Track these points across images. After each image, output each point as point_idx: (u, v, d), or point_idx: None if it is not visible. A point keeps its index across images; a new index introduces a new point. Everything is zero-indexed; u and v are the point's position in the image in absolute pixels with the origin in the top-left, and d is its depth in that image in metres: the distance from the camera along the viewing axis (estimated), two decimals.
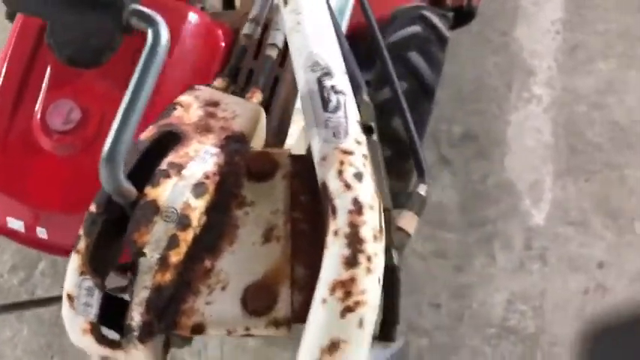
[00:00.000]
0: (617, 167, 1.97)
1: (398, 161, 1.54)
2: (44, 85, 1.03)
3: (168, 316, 0.56)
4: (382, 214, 0.54)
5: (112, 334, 0.60)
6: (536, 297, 1.84)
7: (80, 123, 1.01)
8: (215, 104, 0.64)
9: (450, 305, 1.84)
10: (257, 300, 0.56)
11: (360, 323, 0.49)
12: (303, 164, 0.59)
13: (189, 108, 0.64)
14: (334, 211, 0.51)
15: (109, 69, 1.00)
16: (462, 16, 1.86)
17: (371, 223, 0.51)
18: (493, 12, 2.14)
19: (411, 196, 0.75)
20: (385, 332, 0.61)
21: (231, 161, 0.59)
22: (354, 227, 0.51)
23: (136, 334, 0.56)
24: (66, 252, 1.08)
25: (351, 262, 0.50)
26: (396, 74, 1.50)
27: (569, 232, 1.90)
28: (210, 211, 0.58)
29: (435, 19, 1.56)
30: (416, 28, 1.53)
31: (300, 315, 0.53)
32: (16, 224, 1.04)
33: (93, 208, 0.58)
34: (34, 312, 1.85)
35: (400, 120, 1.49)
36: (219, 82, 0.80)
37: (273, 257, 0.58)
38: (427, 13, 1.57)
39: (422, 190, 0.76)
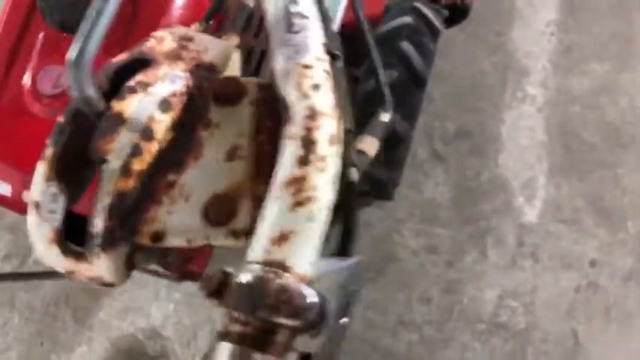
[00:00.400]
0: (610, 167, 1.97)
1: (386, 150, 1.55)
2: (35, 52, 1.05)
3: (130, 223, 0.57)
4: (340, 124, 0.55)
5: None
6: (528, 293, 1.83)
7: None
8: (189, 39, 0.66)
9: (440, 300, 1.83)
10: (218, 211, 0.58)
11: (310, 217, 0.50)
12: (271, 92, 0.61)
13: (162, 40, 0.66)
14: (291, 118, 0.53)
15: None
16: (457, 14, 1.88)
17: (325, 128, 0.53)
18: (489, 13, 2.16)
19: (374, 122, 0.77)
20: (343, 246, 0.62)
21: (199, 85, 0.61)
22: (308, 131, 0.52)
23: (98, 241, 0.57)
24: None
25: (303, 160, 0.51)
26: (387, 63, 1.52)
27: (561, 229, 1.90)
28: (176, 128, 0.59)
29: (427, 11, 1.58)
30: (407, 19, 1.55)
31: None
32: (2, 188, 1.06)
33: (61, 118, 0.60)
34: (25, 300, 1.85)
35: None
36: (196, 26, 0.82)
37: (235, 174, 0.60)
38: (419, 5, 1.59)
39: (384, 117, 0.77)
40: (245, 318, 0.48)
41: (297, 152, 0.52)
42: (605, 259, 1.87)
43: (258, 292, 0.47)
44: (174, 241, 0.59)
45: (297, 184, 0.51)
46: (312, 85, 0.55)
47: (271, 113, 0.61)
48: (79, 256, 0.60)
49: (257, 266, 0.49)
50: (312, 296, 0.48)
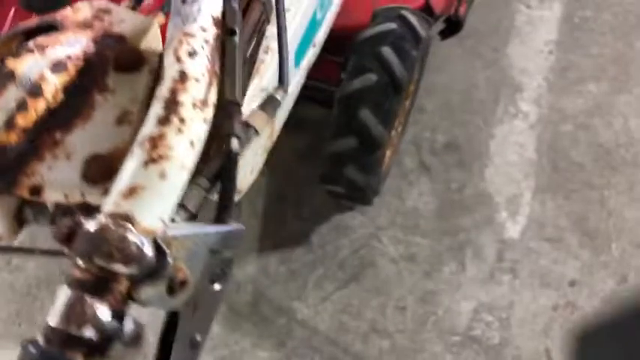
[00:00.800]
0: (598, 188, 1.96)
1: (363, 153, 1.57)
2: (4, 29, 1.09)
3: (10, 175, 0.59)
4: (212, 92, 0.57)
5: None
6: (504, 309, 1.82)
7: None
8: (106, 11, 0.69)
9: (415, 309, 1.83)
10: (96, 170, 0.60)
11: (162, 175, 0.52)
12: None
13: (78, 10, 0.68)
14: (162, 81, 0.55)
15: None
16: (451, 26, 1.90)
17: (192, 92, 0.55)
18: (488, 29, 2.17)
19: (267, 99, 0.78)
20: (219, 214, 0.64)
21: (100, 52, 0.64)
22: (173, 93, 0.54)
23: None
24: None
25: (163, 120, 0.53)
26: (367, 67, 1.54)
27: (543, 247, 1.89)
28: (68, 90, 0.62)
29: (413, 19, 1.60)
30: (391, 25, 1.57)
31: None
32: None
33: None
34: (8, 281, 1.89)
35: (368, 111, 1.53)
36: (125, 2, 0.84)
37: (122, 137, 0.62)
38: (405, 13, 1.61)
39: (278, 95, 0.79)
40: (85, 264, 0.49)
41: (160, 112, 0.54)
42: (586, 280, 1.85)
43: (97, 239, 0.49)
44: (51, 196, 0.61)
45: (154, 142, 0.53)
46: (188, 52, 0.57)
47: None
48: None
49: (103, 216, 0.51)
50: (148, 246, 0.50)
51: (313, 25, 1.41)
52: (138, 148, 0.53)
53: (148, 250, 0.50)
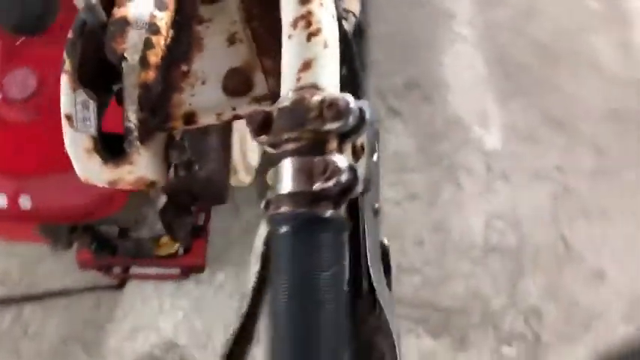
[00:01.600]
0: (550, 80, 2.09)
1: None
2: None
3: (161, 110, 0.61)
4: None
5: None
6: (510, 213, 1.92)
7: (37, 89, 1.06)
8: None
9: (432, 240, 1.90)
10: (236, 82, 0.63)
11: (326, 45, 0.54)
12: None
13: None
14: None
15: (55, 32, 1.06)
16: None
17: None
18: None
19: None
20: (353, 92, 0.66)
21: None
22: None
23: (135, 135, 0.61)
24: (51, 217, 1.12)
25: (304, 0, 0.56)
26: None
27: (523, 148, 2.00)
28: (174, 26, 0.64)
29: None
30: None
31: (276, 94, 0.59)
32: None
33: (70, 35, 0.64)
34: (32, 349, 1.83)
35: None
36: None
37: (241, 54, 0.65)
38: None
39: None
40: (297, 135, 0.51)
41: None
42: (569, 163, 1.97)
43: (301, 109, 0.51)
44: (205, 120, 0.63)
45: (305, 19, 0.55)
46: None
47: (257, 2, 0.67)
48: (119, 160, 0.63)
49: (292, 92, 0.53)
50: (352, 101, 0.51)
51: None
52: (290, 30, 0.55)
53: (354, 104, 0.51)
